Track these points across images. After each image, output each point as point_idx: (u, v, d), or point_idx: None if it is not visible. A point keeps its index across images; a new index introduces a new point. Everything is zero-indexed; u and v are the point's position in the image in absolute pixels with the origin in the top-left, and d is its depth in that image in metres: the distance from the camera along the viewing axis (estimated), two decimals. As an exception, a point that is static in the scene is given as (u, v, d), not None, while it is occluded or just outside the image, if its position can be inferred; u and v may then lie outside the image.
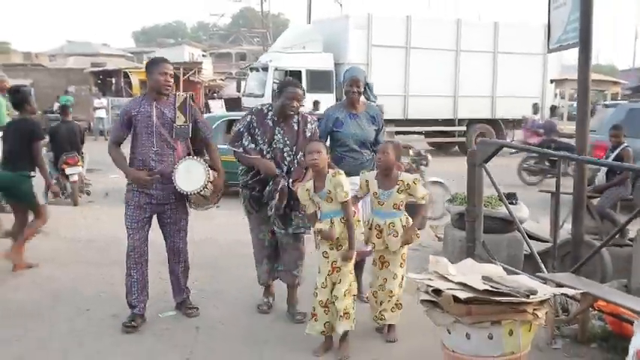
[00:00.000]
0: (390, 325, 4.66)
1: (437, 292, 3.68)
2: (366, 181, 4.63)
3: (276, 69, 18.07)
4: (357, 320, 4.41)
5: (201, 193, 4.78)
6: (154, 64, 4.90)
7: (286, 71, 17.87)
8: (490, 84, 20.15)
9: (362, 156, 5.25)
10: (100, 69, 27.82)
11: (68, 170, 9.90)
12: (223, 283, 5.98)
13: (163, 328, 4.83)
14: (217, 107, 25.89)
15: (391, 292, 4.58)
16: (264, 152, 4.87)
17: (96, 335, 4.69)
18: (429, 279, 3.76)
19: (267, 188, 4.82)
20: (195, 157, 4.84)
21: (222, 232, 7.95)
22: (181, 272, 5.13)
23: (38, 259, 6.59)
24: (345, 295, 4.30)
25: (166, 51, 35.89)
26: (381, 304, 4.62)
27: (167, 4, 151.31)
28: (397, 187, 4.53)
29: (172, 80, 4.89)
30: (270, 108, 5.01)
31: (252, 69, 20.74)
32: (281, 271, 5.13)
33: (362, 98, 5.36)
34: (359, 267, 5.12)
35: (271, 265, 5.17)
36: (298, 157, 4.87)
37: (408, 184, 4.53)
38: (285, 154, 4.88)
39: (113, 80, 28.59)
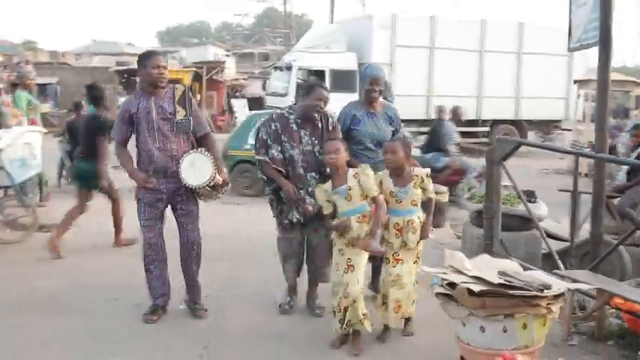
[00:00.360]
0: (406, 320, 4.67)
1: (452, 285, 3.74)
2: (380, 181, 4.56)
3: (299, 68, 18.14)
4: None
5: (210, 185, 4.74)
6: (146, 57, 4.80)
7: (310, 71, 17.98)
8: (514, 85, 20.06)
9: (377, 155, 5.15)
10: (125, 68, 28.12)
11: None
12: (245, 275, 6.08)
13: (183, 318, 4.94)
14: (240, 106, 26.10)
15: (404, 286, 4.55)
16: (295, 157, 4.82)
17: (118, 324, 4.80)
18: (444, 273, 3.82)
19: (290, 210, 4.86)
20: (199, 150, 4.79)
21: (245, 227, 8.07)
22: (194, 265, 5.02)
23: (67, 250, 6.78)
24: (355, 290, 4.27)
25: (190, 51, 36.20)
26: (394, 302, 4.55)
27: (191, 4, 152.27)
28: (413, 182, 4.52)
29: (166, 72, 4.82)
30: (290, 112, 4.97)
31: (275, 68, 20.86)
32: (313, 269, 5.07)
33: (380, 98, 5.34)
34: (376, 268, 5.21)
35: (299, 265, 5.13)
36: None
37: (422, 178, 4.54)
38: (317, 154, 4.84)
39: (137, 79, 28.90)
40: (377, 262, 5.08)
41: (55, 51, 38.69)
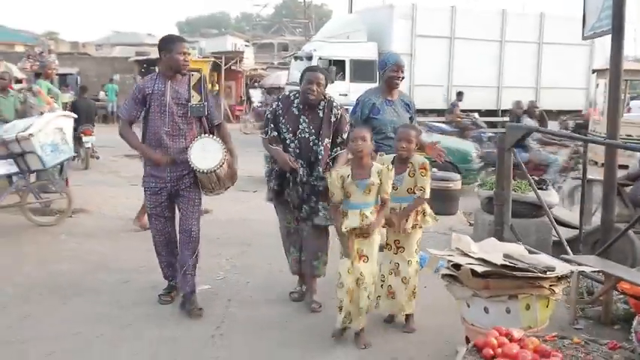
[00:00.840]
0: (407, 315, 4.56)
1: (457, 267, 3.81)
2: (383, 163, 4.40)
3: (320, 58, 18.10)
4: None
5: (217, 171, 4.65)
6: (171, 41, 4.76)
7: (330, 60, 17.98)
8: (534, 75, 19.93)
9: None
10: (144, 57, 28.31)
11: (84, 139, 11.82)
12: (255, 260, 6.19)
13: (198, 299, 5.00)
14: (258, 96, 26.22)
15: (406, 278, 4.48)
16: (288, 141, 4.76)
17: (132, 305, 4.92)
18: (450, 255, 3.88)
19: (287, 190, 4.78)
20: (211, 136, 4.74)
21: (255, 214, 8.12)
22: (189, 257, 4.84)
23: (86, 234, 6.97)
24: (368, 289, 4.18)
25: (210, 41, 36.33)
26: (393, 293, 4.52)
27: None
28: (407, 170, 4.43)
29: (188, 59, 4.75)
30: (297, 95, 4.87)
31: (296, 58, 20.89)
32: (304, 261, 5.03)
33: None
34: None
35: (299, 254, 5.06)
36: (324, 143, 4.72)
37: (414, 167, 4.42)
38: (312, 143, 4.73)
39: (157, 69, 29.12)
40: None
41: (76, 42, 39.13)
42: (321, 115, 4.77)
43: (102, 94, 25.62)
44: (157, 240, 5.00)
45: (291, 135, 4.76)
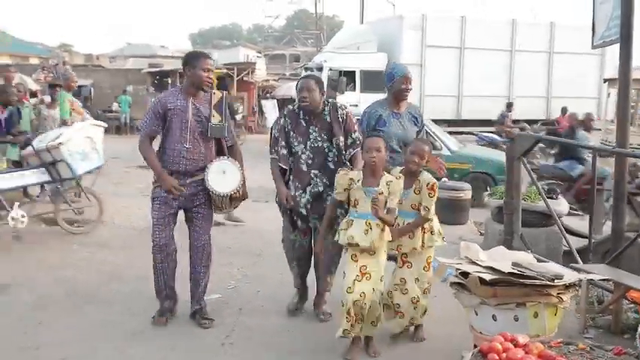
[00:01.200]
0: (416, 325, 4.54)
1: (465, 275, 3.83)
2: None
3: (330, 69, 18.22)
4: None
5: (233, 195, 4.68)
6: (196, 57, 4.72)
7: (340, 71, 18.09)
8: (545, 84, 19.95)
9: (401, 157, 4.91)
10: (157, 69, 28.60)
11: None
12: (266, 270, 6.22)
13: (208, 309, 5.00)
14: (270, 107, 26.33)
15: (415, 298, 4.37)
16: (300, 153, 4.74)
17: (143, 313, 4.94)
18: (459, 263, 3.91)
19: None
20: (229, 158, 4.72)
21: (267, 224, 8.09)
22: (202, 275, 4.86)
23: (99, 245, 7.07)
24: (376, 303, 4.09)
25: (222, 52, 36.59)
26: (402, 313, 4.42)
27: (223, 6, 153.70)
28: (414, 187, 4.34)
29: (212, 77, 4.71)
30: (300, 108, 4.82)
31: (306, 69, 21.00)
32: (316, 276, 4.99)
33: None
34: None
35: (303, 269, 5.01)
36: (339, 141, 4.70)
37: (421, 185, 4.31)
38: (326, 149, 4.72)
39: (169, 80, 29.37)
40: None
41: (90, 54, 39.54)
42: (328, 119, 4.76)
43: (115, 106, 25.86)
44: (160, 256, 4.76)
45: (302, 146, 4.75)
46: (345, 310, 4.04)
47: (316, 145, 4.73)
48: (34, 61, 30.79)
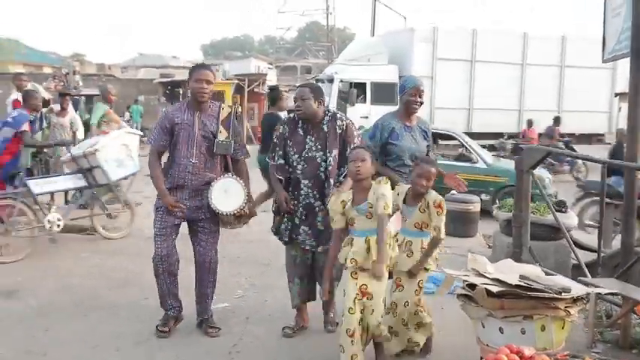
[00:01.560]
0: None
1: (473, 287, 3.82)
2: (398, 194, 4.26)
3: (341, 80, 18.25)
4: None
5: (236, 214, 4.65)
6: (194, 69, 4.70)
7: (351, 83, 18.12)
8: (556, 98, 19.91)
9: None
10: (169, 80, 28.79)
11: None
12: (274, 280, 6.20)
13: (216, 317, 5.02)
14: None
15: (404, 320, 4.25)
16: (295, 163, 4.65)
17: (149, 320, 4.93)
18: (466, 275, 3.90)
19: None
20: (234, 176, 4.68)
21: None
22: (209, 287, 4.85)
23: (106, 252, 7.11)
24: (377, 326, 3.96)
25: (233, 64, 36.75)
26: (396, 332, 4.28)
27: (236, 18, 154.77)
28: (420, 204, 4.20)
29: (209, 88, 4.62)
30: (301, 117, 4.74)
31: (317, 80, 21.05)
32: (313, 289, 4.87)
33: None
34: None
35: (304, 286, 4.86)
36: (332, 155, 4.58)
37: (428, 203, 4.16)
38: (319, 160, 4.59)
39: (180, 91, 29.56)
40: None
41: (102, 63, 39.85)
42: (325, 129, 4.65)
43: (127, 115, 26.02)
44: (161, 267, 4.69)
45: (297, 156, 4.66)
46: (349, 333, 3.88)
47: (310, 155, 4.63)
48: (47, 70, 31.10)
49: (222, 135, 4.66)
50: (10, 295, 5.67)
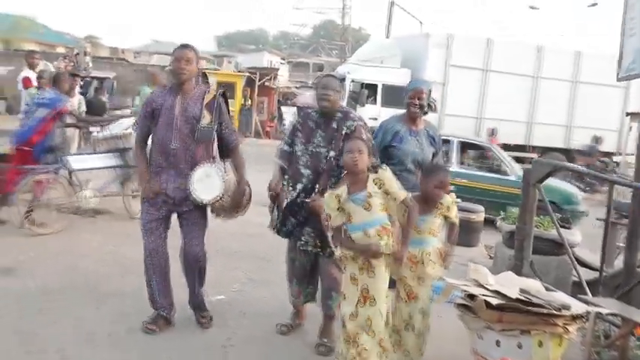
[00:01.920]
0: None
1: (472, 298, 3.79)
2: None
3: (353, 80, 18.21)
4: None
5: (216, 204, 4.53)
6: (175, 48, 4.48)
7: (362, 83, 18.08)
8: (567, 113, 19.80)
9: (414, 178, 4.70)
10: (181, 67, 28.77)
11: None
12: (272, 275, 6.18)
13: (212, 310, 5.00)
14: (289, 114, 26.41)
15: (420, 333, 4.15)
16: (299, 153, 4.52)
17: (150, 310, 4.86)
18: (466, 285, 3.87)
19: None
20: (214, 165, 4.51)
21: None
22: (196, 277, 4.72)
23: (114, 237, 7.20)
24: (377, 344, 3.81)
25: (247, 56, 36.89)
26: (407, 351, 4.15)
27: (251, 12, 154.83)
28: (437, 210, 4.12)
29: (187, 67, 4.41)
30: (316, 111, 4.60)
31: (329, 78, 21.02)
32: (320, 298, 4.72)
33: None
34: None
35: (302, 288, 4.79)
36: (330, 154, 4.44)
37: (447, 207, 4.14)
38: (322, 156, 4.46)
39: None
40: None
41: (116, 47, 39.85)
42: (334, 126, 4.49)
43: (137, 100, 25.93)
44: (150, 263, 4.57)
45: (303, 147, 4.53)
46: (351, 340, 3.79)
47: (317, 150, 4.49)
48: (60, 50, 31.08)
49: (206, 119, 4.46)
50: (9, 272, 5.68)
